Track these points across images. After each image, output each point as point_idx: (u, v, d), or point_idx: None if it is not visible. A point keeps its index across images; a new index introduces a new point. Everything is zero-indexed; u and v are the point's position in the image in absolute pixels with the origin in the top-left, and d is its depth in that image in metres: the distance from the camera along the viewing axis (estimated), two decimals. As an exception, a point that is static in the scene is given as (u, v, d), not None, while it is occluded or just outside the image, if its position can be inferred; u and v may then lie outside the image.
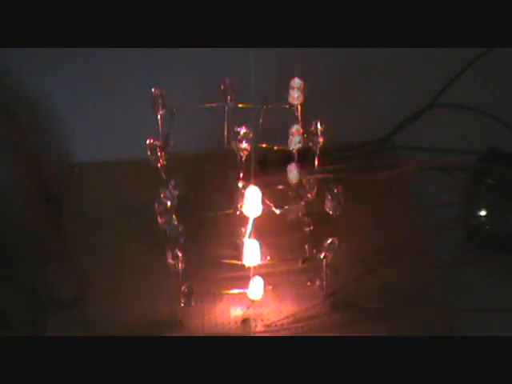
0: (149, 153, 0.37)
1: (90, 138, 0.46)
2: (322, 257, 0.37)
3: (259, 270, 0.37)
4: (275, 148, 0.41)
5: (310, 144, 0.39)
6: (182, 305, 0.36)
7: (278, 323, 0.37)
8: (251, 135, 0.37)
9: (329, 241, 0.36)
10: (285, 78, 0.40)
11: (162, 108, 0.39)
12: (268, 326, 0.37)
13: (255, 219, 0.36)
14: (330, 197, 0.36)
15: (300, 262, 0.39)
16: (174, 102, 0.40)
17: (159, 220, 0.35)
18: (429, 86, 0.43)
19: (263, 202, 0.35)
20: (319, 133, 0.38)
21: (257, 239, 0.36)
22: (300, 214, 0.39)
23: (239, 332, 0.37)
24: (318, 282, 0.38)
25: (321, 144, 0.38)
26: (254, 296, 0.37)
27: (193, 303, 0.37)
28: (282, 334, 0.37)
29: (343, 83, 0.45)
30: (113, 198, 0.43)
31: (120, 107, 0.45)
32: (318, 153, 0.39)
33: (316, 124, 0.38)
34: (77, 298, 0.38)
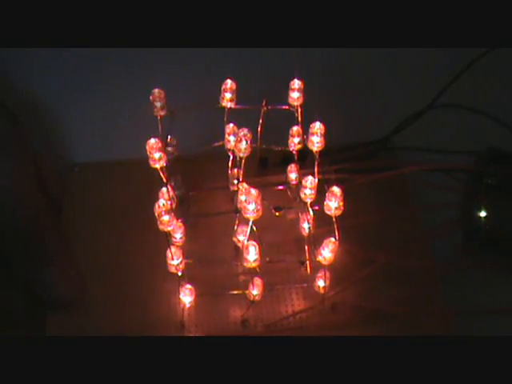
0: (148, 153, 0.37)
1: (90, 138, 0.46)
2: (321, 257, 0.36)
3: (258, 271, 0.37)
4: (275, 149, 0.41)
5: (310, 144, 0.39)
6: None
7: (278, 323, 0.37)
8: (250, 136, 0.37)
9: (328, 241, 0.36)
10: (285, 78, 0.40)
11: (162, 109, 0.39)
12: (267, 326, 0.37)
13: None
14: (329, 197, 0.36)
15: (299, 262, 0.39)
16: (174, 102, 0.40)
17: (159, 220, 0.35)
18: (429, 86, 0.43)
19: (263, 204, 0.35)
20: (319, 133, 0.38)
21: (256, 239, 0.36)
22: (300, 215, 0.39)
23: (239, 332, 0.37)
24: (317, 283, 0.38)
25: (321, 145, 0.38)
26: (254, 296, 0.37)
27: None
28: (281, 334, 0.37)
29: (343, 83, 0.45)
30: (113, 198, 0.43)
31: (120, 107, 0.45)
32: (317, 153, 0.39)
33: (316, 125, 0.38)
34: (76, 298, 0.38)
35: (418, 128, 0.43)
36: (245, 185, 0.36)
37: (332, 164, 0.41)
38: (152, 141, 0.37)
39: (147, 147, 0.37)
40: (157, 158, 0.37)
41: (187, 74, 0.45)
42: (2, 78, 0.45)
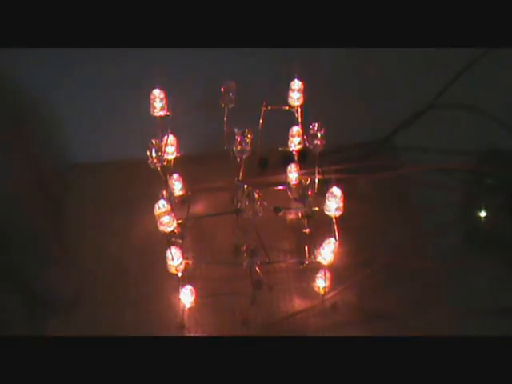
0: (148, 153, 0.37)
1: (90, 139, 0.46)
2: (321, 257, 0.36)
3: (258, 271, 0.37)
4: (275, 149, 0.41)
5: (310, 144, 0.39)
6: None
7: (278, 323, 0.37)
8: (250, 136, 0.37)
9: (328, 241, 0.36)
10: (285, 78, 0.40)
11: (162, 109, 0.39)
12: (267, 326, 0.37)
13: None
14: (329, 197, 0.36)
15: (300, 262, 0.39)
16: (175, 103, 0.40)
17: (159, 221, 0.35)
18: (429, 86, 0.43)
19: (263, 204, 0.35)
20: (319, 134, 0.38)
21: (256, 240, 0.36)
22: (300, 215, 0.39)
23: (239, 332, 0.37)
24: (317, 283, 0.38)
25: (321, 145, 0.38)
26: (253, 296, 0.37)
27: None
28: (281, 334, 0.37)
29: (343, 83, 0.45)
30: (112, 198, 0.43)
31: (120, 108, 0.45)
32: (318, 154, 0.39)
33: (316, 125, 0.38)
34: (76, 298, 0.38)
35: (418, 128, 0.43)
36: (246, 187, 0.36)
37: (332, 164, 0.41)
38: (152, 140, 0.37)
39: (148, 147, 0.37)
40: (157, 158, 0.37)
41: (187, 74, 0.45)
42: (2, 77, 0.45)
